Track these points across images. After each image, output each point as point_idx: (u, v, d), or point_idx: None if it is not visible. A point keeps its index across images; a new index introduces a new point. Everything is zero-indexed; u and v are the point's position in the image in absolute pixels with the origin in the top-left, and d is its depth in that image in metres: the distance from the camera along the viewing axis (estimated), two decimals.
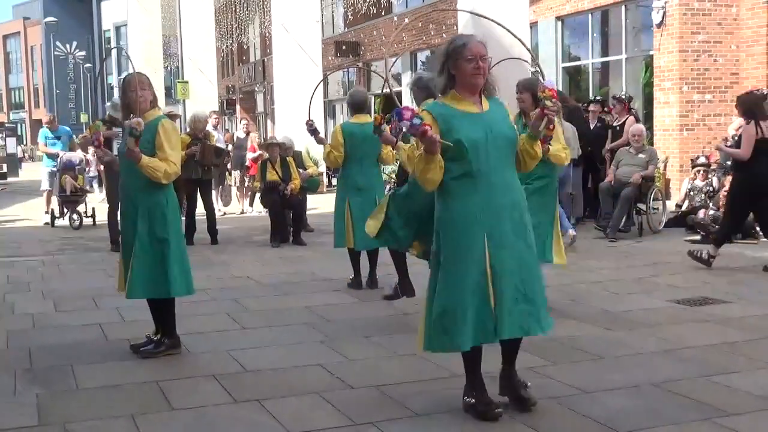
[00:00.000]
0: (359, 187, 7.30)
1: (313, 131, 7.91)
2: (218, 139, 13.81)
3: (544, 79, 4.11)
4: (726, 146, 9.70)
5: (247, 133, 15.99)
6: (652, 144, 13.53)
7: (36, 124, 56.14)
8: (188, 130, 11.38)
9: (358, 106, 7.55)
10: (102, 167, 13.30)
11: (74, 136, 15.30)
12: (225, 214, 14.54)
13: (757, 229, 10.07)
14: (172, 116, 12.34)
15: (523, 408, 4.05)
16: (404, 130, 3.73)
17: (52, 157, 14.21)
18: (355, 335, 5.77)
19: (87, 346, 5.55)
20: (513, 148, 4.03)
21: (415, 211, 5.13)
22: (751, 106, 8.21)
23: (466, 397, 4.09)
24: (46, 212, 14.31)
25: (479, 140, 3.90)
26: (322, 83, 13.20)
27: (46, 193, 14.39)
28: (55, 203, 13.78)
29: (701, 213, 10.36)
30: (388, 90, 5.39)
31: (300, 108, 7.01)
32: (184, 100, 25.21)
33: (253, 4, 33.32)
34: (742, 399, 4.25)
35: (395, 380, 4.65)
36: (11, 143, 32.37)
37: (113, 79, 50.43)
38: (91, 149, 14.96)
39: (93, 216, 13.63)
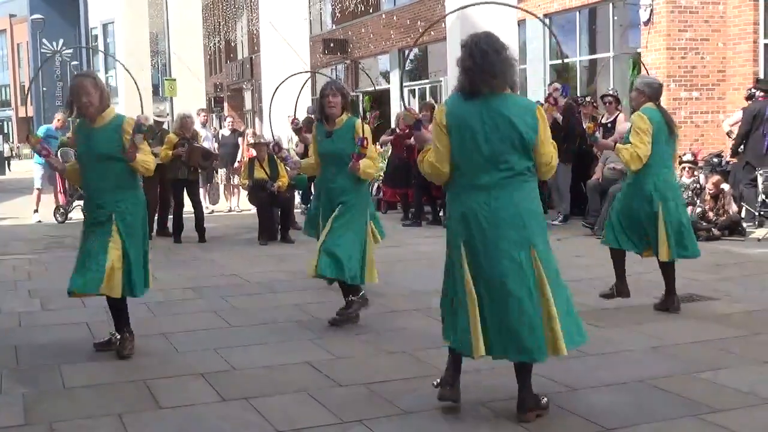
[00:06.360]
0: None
1: (298, 130, 7.77)
2: (206, 137, 13.76)
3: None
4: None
5: (233, 131, 15.86)
6: None
7: (23, 122, 55.74)
8: (175, 129, 11.30)
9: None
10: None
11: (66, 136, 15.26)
12: (213, 212, 14.50)
13: (744, 225, 10.12)
14: (157, 122, 12.24)
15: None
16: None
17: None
18: (343, 333, 5.76)
19: (74, 345, 5.53)
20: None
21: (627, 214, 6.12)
22: None
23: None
24: (36, 211, 14.23)
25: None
26: (309, 80, 13.14)
27: (37, 192, 14.31)
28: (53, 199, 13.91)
29: (688, 210, 10.37)
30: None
31: (288, 106, 7.02)
32: (171, 98, 25.11)
33: (240, 2, 33.23)
34: (729, 395, 4.27)
35: (383, 378, 4.66)
36: None
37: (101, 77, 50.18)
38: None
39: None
